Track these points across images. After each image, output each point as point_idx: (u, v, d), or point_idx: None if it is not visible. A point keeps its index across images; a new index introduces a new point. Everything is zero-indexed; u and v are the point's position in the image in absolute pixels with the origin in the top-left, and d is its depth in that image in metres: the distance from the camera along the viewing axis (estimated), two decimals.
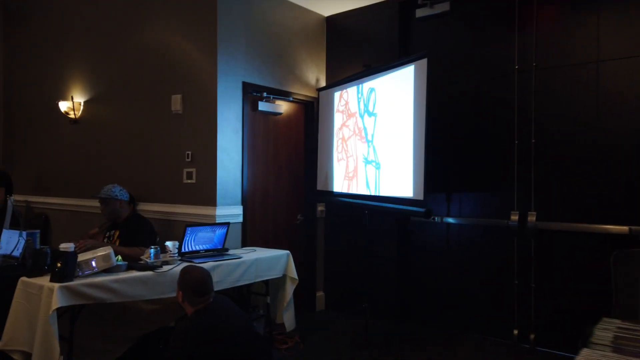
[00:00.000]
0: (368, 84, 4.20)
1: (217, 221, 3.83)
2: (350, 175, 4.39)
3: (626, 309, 3.24)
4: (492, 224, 4.05)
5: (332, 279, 5.03)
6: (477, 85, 4.19)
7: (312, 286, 4.96)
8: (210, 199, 3.95)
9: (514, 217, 3.89)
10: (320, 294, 5.05)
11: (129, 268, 2.93)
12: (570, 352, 3.44)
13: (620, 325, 1.60)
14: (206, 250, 3.53)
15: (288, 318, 3.79)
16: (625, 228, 3.45)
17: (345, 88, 4.50)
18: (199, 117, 4.05)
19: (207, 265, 3.15)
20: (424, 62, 3.54)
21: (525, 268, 3.89)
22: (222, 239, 3.63)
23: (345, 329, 4.39)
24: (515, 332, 3.90)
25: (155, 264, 2.98)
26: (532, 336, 3.80)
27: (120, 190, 3.74)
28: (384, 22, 4.66)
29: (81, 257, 2.72)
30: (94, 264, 2.73)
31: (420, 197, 3.47)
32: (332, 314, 4.88)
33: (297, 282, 3.83)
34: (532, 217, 3.82)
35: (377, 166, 4.03)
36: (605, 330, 1.53)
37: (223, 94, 3.99)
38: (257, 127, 4.42)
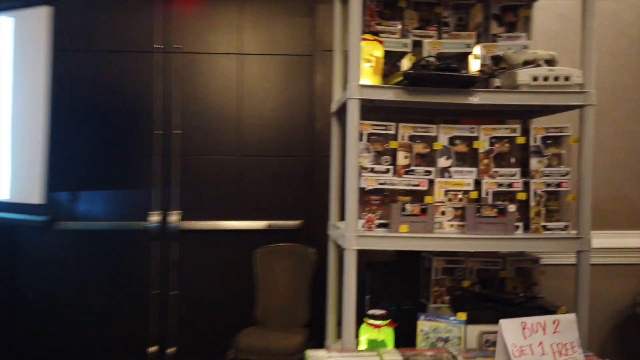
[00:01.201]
0: None
1: None
2: None
3: (265, 307, 3.25)
4: (130, 227, 3.39)
5: None
6: (111, 61, 3.41)
7: None
8: None
9: (154, 218, 3.37)
10: None
11: None
12: None
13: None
14: None
15: None
16: (265, 223, 3.44)
17: None
18: None
19: None
20: (40, 12, 2.53)
21: (168, 275, 3.41)
22: None
23: None
24: (155, 348, 3.37)
25: None
26: (171, 350, 3.36)
27: None
28: None
29: None
30: None
31: (39, 200, 2.48)
32: None
33: None
34: (174, 217, 3.39)
35: None
36: None
37: None
38: None
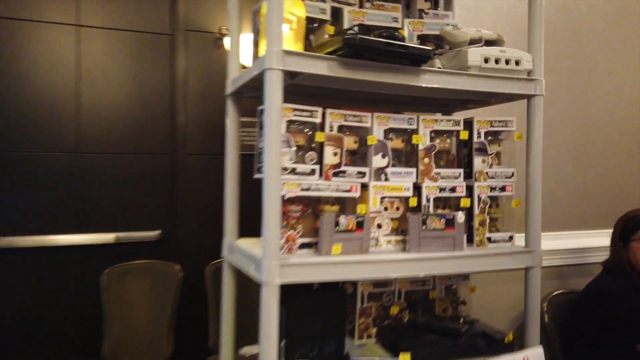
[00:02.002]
0: None
1: None
2: None
3: (116, 342, 2.62)
4: None
5: None
6: None
7: None
8: None
9: None
10: None
11: None
12: None
13: None
14: None
15: None
16: (112, 236, 2.79)
17: None
18: None
19: None
20: None
21: None
22: None
23: None
24: None
25: None
26: None
27: None
28: None
29: None
30: None
31: None
32: None
33: None
34: None
35: None
36: None
37: None
38: None
